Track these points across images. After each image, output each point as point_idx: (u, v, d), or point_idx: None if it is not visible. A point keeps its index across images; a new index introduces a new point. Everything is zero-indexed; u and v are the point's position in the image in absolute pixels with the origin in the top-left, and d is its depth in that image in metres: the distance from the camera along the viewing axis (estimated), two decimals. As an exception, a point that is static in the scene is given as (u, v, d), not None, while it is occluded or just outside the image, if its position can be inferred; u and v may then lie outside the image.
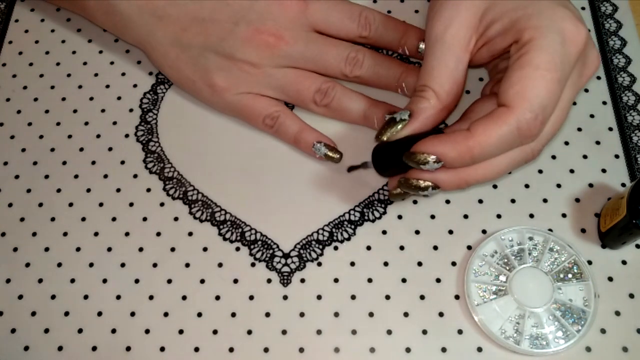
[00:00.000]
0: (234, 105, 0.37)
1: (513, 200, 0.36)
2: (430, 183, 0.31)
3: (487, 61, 0.32)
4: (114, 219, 0.36)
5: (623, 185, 0.37)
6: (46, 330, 0.34)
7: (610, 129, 0.38)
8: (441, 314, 0.34)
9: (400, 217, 0.36)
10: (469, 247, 0.35)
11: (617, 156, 0.37)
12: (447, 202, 0.36)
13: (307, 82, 0.36)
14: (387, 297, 0.34)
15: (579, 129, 0.38)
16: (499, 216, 0.36)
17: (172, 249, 0.35)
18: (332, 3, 0.36)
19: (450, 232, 0.35)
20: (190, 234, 0.36)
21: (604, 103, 0.39)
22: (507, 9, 0.30)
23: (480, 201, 0.36)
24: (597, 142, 0.38)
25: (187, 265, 0.35)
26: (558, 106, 0.30)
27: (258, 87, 0.36)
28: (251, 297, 0.34)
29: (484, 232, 0.35)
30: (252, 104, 0.37)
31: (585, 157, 0.37)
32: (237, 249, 0.35)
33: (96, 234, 0.36)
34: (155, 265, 0.35)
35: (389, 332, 0.33)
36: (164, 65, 0.38)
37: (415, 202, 0.36)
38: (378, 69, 0.36)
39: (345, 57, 0.36)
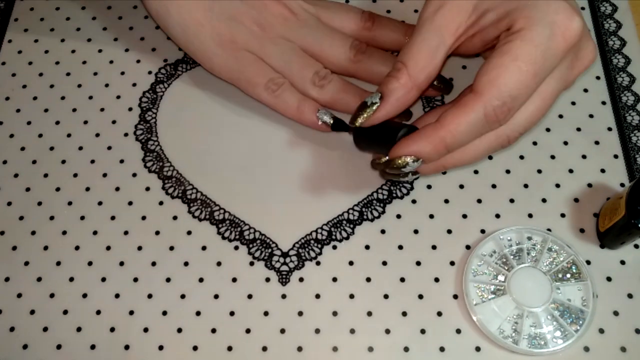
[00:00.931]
0: (238, 61, 0.36)
1: (512, 200, 0.36)
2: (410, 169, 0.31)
3: (480, 50, 0.32)
4: (113, 218, 0.36)
5: (622, 185, 0.37)
6: (45, 329, 0.34)
7: (610, 129, 0.38)
8: (439, 314, 0.34)
9: (399, 216, 0.36)
10: (468, 247, 0.35)
11: (616, 156, 0.37)
12: (446, 201, 0.36)
13: (311, 62, 0.37)
14: (386, 297, 0.34)
15: (578, 129, 0.38)
16: (497, 216, 0.36)
17: (171, 248, 0.35)
18: (337, 4, 0.38)
19: (449, 231, 0.35)
20: (189, 232, 0.36)
21: (603, 103, 0.39)
22: None
23: (479, 201, 0.36)
24: (596, 142, 0.38)
25: (186, 264, 0.35)
26: (538, 97, 0.30)
27: (263, 51, 0.36)
28: (250, 296, 0.34)
29: (482, 231, 0.35)
30: (258, 65, 0.36)
31: (584, 157, 0.37)
32: (236, 247, 0.35)
33: (95, 232, 0.36)
34: (154, 264, 0.35)
35: (388, 331, 0.33)
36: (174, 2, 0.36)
37: (414, 201, 0.36)
38: (380, 65, 0.37)
39: (350, 43, 0.37)
